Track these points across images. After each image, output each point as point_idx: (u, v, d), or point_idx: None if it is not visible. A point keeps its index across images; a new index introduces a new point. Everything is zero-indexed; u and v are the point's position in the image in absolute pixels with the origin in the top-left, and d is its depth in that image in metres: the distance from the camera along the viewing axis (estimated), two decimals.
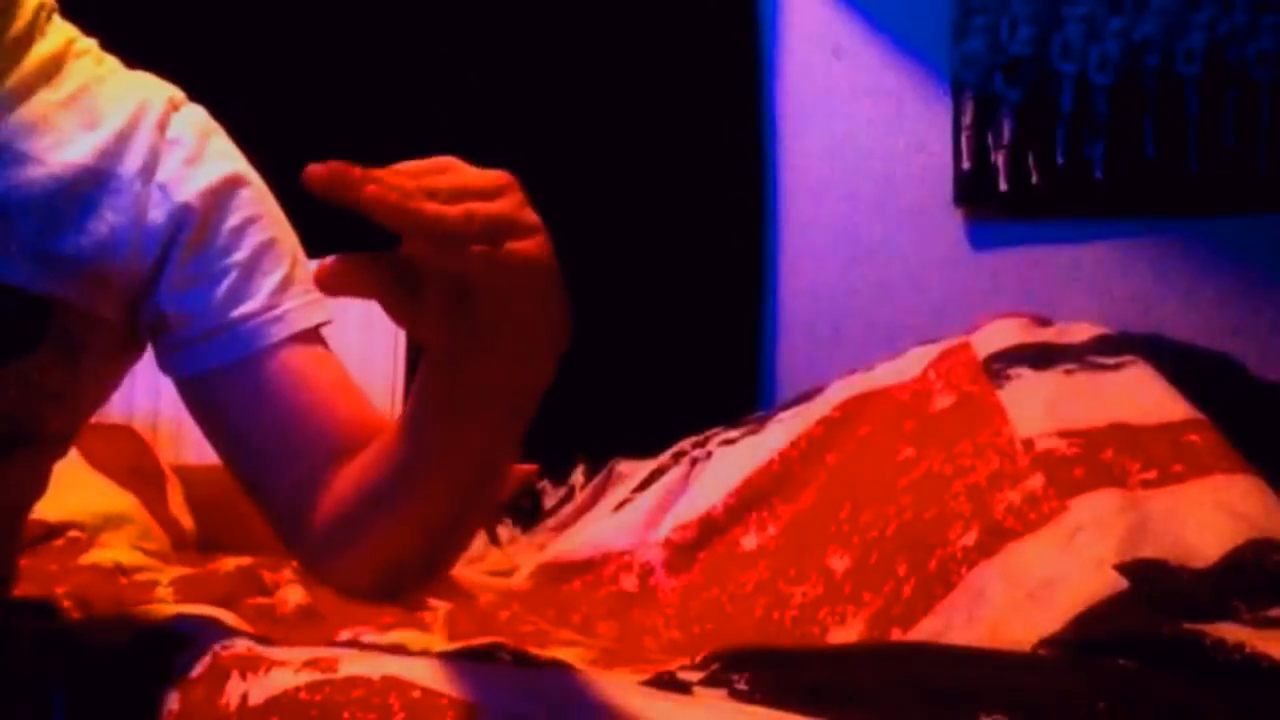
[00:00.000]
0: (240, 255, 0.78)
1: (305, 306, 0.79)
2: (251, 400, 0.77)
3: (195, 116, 0.81)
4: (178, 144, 0.78)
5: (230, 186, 0.79)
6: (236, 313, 0.77)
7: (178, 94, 0.82)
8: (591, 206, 2.04)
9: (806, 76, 2.04)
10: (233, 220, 0.78)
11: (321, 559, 0.78)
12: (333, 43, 2.16)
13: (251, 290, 0.77)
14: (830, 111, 2.02)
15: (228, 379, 0.77)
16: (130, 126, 0.78)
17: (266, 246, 0.79)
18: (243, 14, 2.15)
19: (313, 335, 0.79)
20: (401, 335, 2.00)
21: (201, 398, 0.79)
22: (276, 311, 0.77)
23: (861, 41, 1.99)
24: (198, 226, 0.77)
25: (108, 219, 0.75)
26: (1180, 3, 1.72)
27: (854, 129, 2.00)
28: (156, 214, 0.77)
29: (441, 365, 0.65)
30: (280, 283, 0.78)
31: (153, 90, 0.81)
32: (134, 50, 0.86)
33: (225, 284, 0.77)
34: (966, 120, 1.86)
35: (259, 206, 0.80)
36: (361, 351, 1.97)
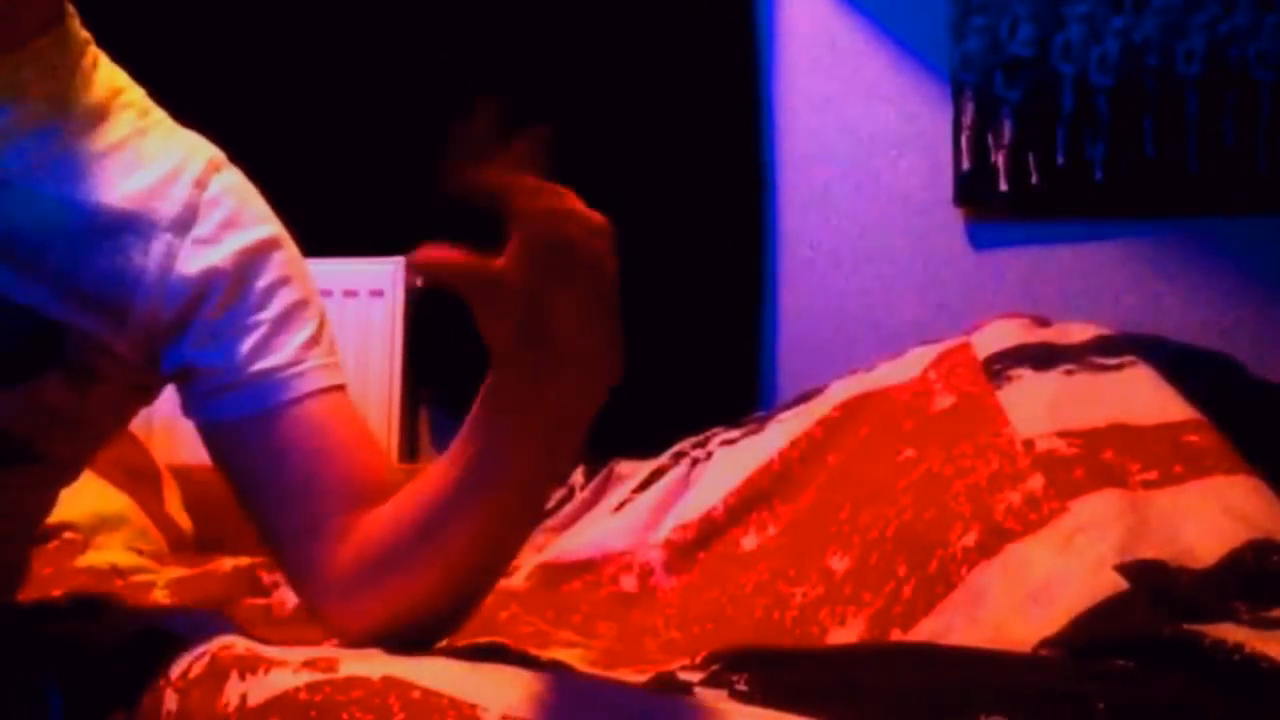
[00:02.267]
0: (270, 313, 0.80)
1: (329, 366, 0.81)
2: (272, 450, 0.79)
3: (234, 180, 0.83)
4: (216, 205, 0.80)
5: (265, 250, 0.81)
6: (262, 366, 0.79)
7: (218, 155, 0.84)
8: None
9: (805, 77, 2.04)
10: (264, 281, 0.80)
11: (338, 604, 0.79)
12: (327, 41, 2.16)
13: (278, 345, 0.79)
14: (829, 111, 2.02)
15: (250, 429, 0.79)
16: (168, 179, 0.79)
17: (296, 307, 0.81)
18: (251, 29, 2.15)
19: (336, 390, 0.81)
20: (400, 336, 2.00)
21: (223, 444, 0.81)
22: (302, 367, 0.79)
23: (861, 41, 1.99)
24: (230, 288, 0.79)
25: (135, 261, 0.77)
26: (1180, 3, 1.72)
27: (853, 129, 2.00)
28: (187, 268, 0.78)
29: (502, 390, 0.70)
30: (307, 340, 0.80)
31: (195, 148, 0.83)
32: (164, 77, 0.87)
33: (253, 339, 0.79)
34: (967, 120, 1.86)
35: (290, 269, 0.82)
36: (361, 354, 1.97)
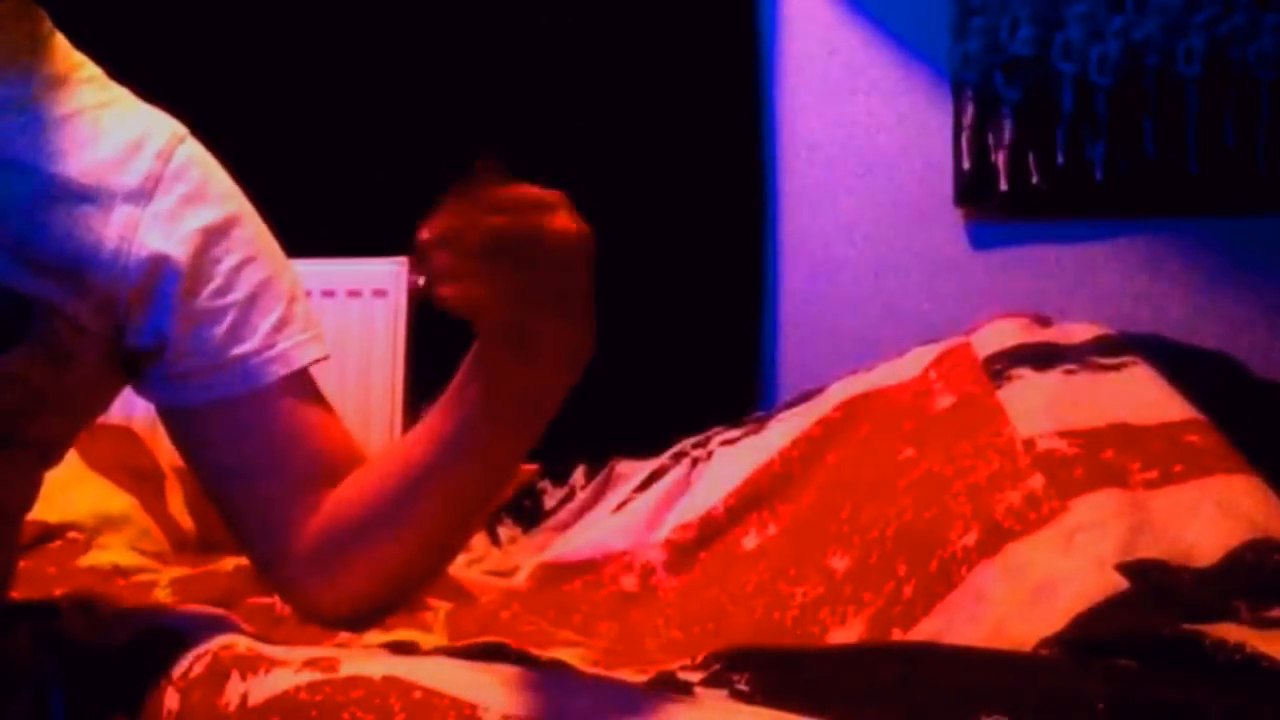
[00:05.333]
0: (238, 295, 0.79)
1: (300, 345, 0.81)
2: (239, 434, 0.79)
3: (198, 154, 0.82)
4: (179, 179, 0.79)
5: (228, 226, 0.80)
6: (235, 352, 0.79)
7: (181, 129, 0.83)
8: (590, 207, 2.03)
9: (806, 76, 2.04)
10: (230, 260, 0.80)
11: (304, 582, 0.80)
12: (328, 42, 2.16)
13: (249, 330, 0.79)
14: (830, 111, 2.02)
15: (217, 413, 0.79)
16: (130, 150, 0.79)
17: (264, 286, 0.80)
18: (242, 25, 2.15)
19: (304, 372, 0.81)
20: (402, 336, 2.00)
21: (187, 427, 0.81)
22: (273, 352, 0.79)
23: (861, 41, 1.99)
24: (194, 265, 0.78)
25: (94, 231, 0.76)
26: (1180, 3, 1.72)
27: (854, 129, 2.00)
28: (148, 240, 0.77)
29: (486, 368, 0.72)
30: (277, 322, 0.80)
31: (158, 122, 0.82)
32: (133, 63, 0.86)
33: (225, 323, 0.79)
34: (967, 120, 1.86)
35: (256, 246, 0.82)
36: (364, 354, 1.97)
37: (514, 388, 0.72)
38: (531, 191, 0.65)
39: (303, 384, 0.81)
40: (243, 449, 0.79)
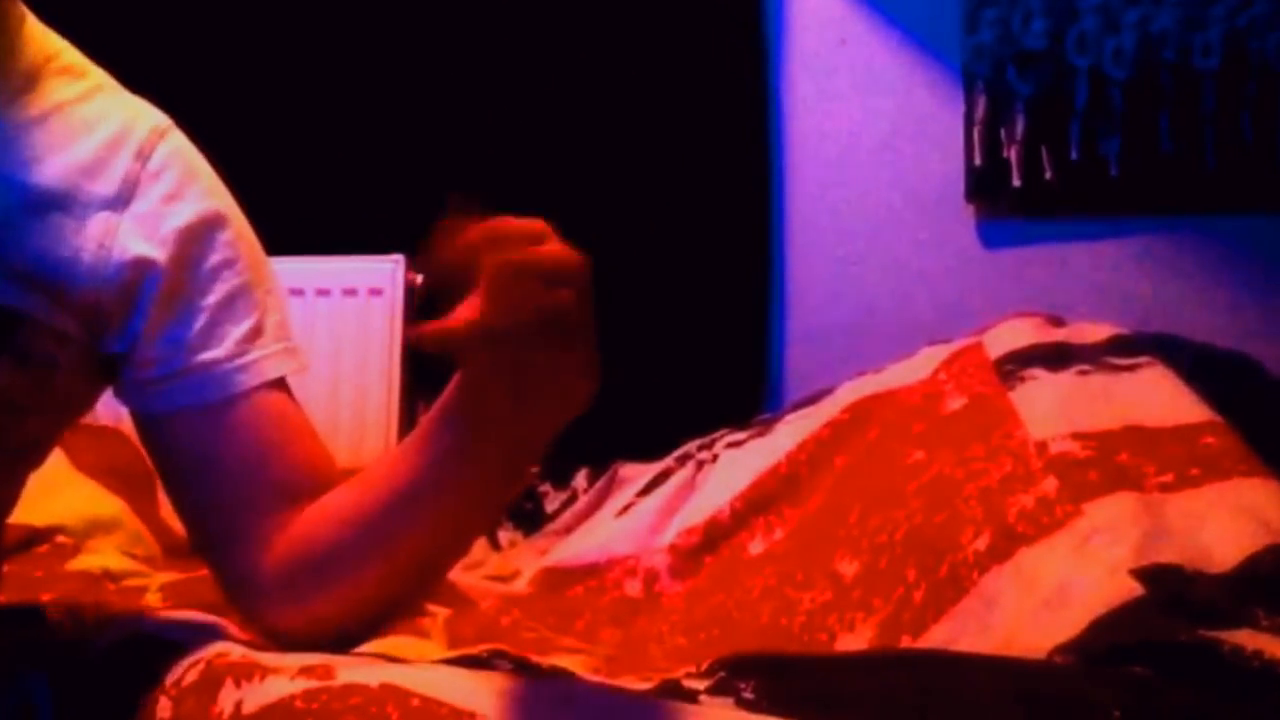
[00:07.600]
0: (212, 299, 0.77)
1: (273, 356, 0.78)
2: (208, 443, 0.77)
3: (179, 149, 0.80)
4: (158, 179, 0.77)
5: (208, 227, 0.78)
6: (203, 358, 0.76)
7: (163, 121, 0.80)
8: (594, 205, 2.03)
9: (815, 70, 2.03)
10: (208, 262, 0.77)
11: (273, 602, 0.77)
12: (324, 38, 2.15)
13: (220, 336, 0.77)
14: (839, 105, 2.01)
15: (186, 421, 0.77)
16: (107, 151, 0.76)
17: (240, 291, 0.78)
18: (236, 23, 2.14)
19: (277, 384, 0.79)
20: (399, 335, 1.99)
21: (157, 435, 0.79)
22: (243, 360, 0.77)
23: (871, 34, 1.98)
24: (172, 267, 0.76)
25: (71, 240, 0.74)
26: None
27: (863, 123, 1.99)
28: (127, 245, 0.75)
29: (473, 400, 0.70)
30: (250, 331, 0.78)
31: (137, 116, 0.79)
32: (126, 58, 0.84)
33: (195, 327, 0.76)
34: (979, 115, 1.86)
35: (236, 249, 0.79)
36: (360, 353, 1.96)
37: (502, 427, 0.70)
38: (517, 223, 0.63)
39: (274, 396, 0.79)
40: (208, 460, 0.77)
